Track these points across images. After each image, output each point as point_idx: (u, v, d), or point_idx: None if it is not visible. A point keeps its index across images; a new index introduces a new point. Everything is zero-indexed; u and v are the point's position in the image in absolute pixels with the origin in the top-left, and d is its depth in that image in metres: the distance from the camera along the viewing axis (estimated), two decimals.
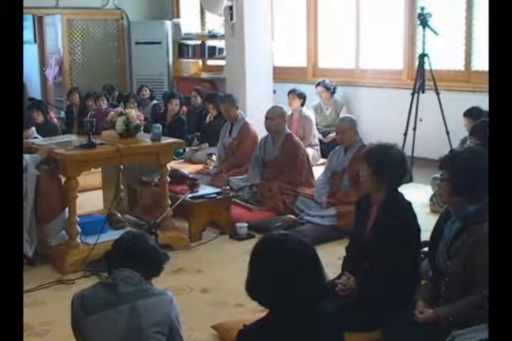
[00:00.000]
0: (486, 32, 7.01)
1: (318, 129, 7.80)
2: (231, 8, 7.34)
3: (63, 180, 4.55)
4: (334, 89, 8.06)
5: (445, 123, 6.52)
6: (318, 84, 8.07)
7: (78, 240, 4.52)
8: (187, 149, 7.79)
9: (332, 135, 7.39)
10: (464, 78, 7.21)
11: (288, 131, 6.04)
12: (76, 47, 10.19)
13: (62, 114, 9.24)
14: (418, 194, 5.75)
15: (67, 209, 4.51)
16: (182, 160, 7.67)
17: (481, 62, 7.13)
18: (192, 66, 10.35)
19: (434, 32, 6.56)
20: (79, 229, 4.52)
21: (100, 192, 5.79)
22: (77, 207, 4.55)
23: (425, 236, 3.26)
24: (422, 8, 6.57)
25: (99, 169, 5.55)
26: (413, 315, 2.97)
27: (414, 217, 3.35)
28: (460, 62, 7.28)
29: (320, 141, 7.67)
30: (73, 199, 4.46)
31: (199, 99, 8.54)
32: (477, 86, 6.93)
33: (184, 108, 8.73)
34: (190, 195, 5.13)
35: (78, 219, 4.54)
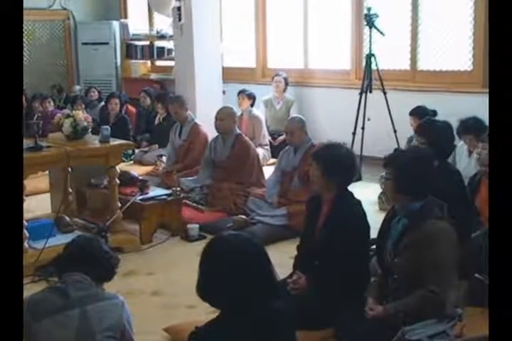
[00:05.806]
0: (431, 31, 7.16)
1: (267, 127, 7.80)
2: (179, 8, 7.31)
3: None
4: (287, 85, 8.06)
5: (392, 122, 6.63)
6: (277, 75, 8.03)
7: (26, 245, 4.43)
8: (136, 151, 7.73)
9: (281, 138, 7.40)
10: (410, 77, 7.33)
11: (238, 131, 6.04)
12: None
13: None
14: (367, 192, 5.81)
15: None
16: (131, 162, 7.61)
17: (427, 61, 7.26)
18: (140, 67, 10.26)
19: (381, 32, 6.66)
20: (26, 233, 4.43)
21: (48, 195, 5.70)
22: (24, 211, 4.46)
23: (374, 233, 3.30)
24: (369, 9, 6.65)
25: (47, 172, 5.47)
26: (363, 311, 3.01)
27: (364, 214, 3.40)
28: (406, 61, 7.39)
29: (270, 142, 7.69)
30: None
31: (148, 100, 8.47)
32: (423, 85, 7.07)
33: (132, 108, 8.65)
34: (140, 197, 5.08)
35: (25, 223, 4.45)
